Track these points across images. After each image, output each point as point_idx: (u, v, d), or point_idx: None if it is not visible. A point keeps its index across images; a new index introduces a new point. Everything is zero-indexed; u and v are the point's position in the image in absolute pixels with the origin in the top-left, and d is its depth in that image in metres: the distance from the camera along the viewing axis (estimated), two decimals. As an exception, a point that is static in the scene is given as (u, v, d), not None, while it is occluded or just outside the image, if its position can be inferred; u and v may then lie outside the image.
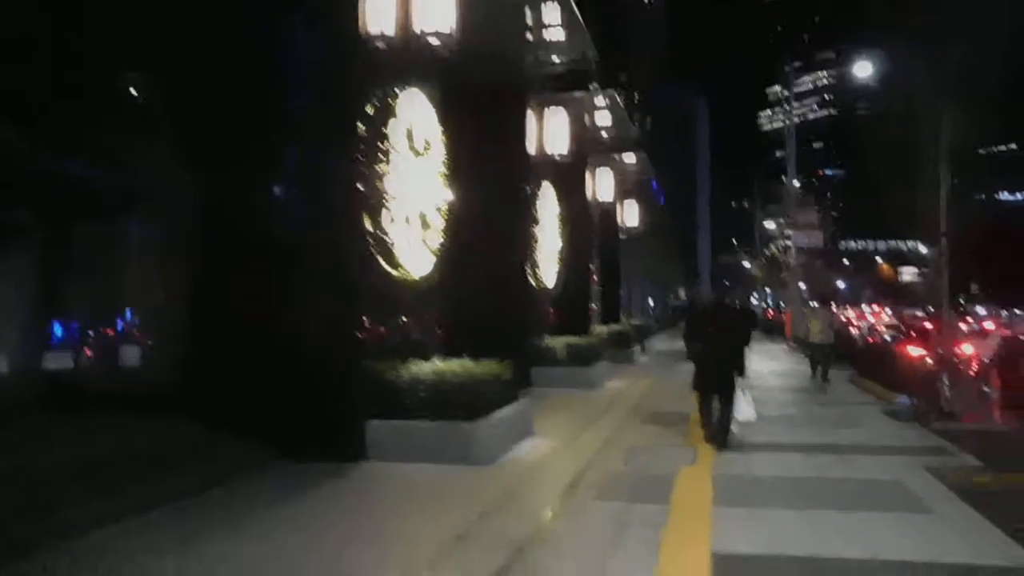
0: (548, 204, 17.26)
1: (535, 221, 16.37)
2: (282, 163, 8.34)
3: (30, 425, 6.72)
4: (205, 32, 8.17)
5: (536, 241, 16.39)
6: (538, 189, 16.64)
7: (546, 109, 17.01)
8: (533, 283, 16.57)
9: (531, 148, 16.42)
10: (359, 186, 8.59)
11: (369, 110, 8.81)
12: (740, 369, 9.66)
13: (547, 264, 17.02)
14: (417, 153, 9.63)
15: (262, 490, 6.68)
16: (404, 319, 9.80)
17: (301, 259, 8.20)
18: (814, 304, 17.10)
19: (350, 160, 8.43)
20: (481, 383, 8.70)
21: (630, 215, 31.44)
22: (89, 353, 9.75)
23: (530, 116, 16.56)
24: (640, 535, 5.48)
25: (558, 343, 16.08)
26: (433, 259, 10.09)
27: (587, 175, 23.24)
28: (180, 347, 8.94)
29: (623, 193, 30.15)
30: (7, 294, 8.27)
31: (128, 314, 10.00)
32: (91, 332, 9.83)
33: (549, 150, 16.93)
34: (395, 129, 9.11)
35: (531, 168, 16.29)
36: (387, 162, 8.91)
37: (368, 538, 5.42)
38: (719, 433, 9.32)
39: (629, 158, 29.20)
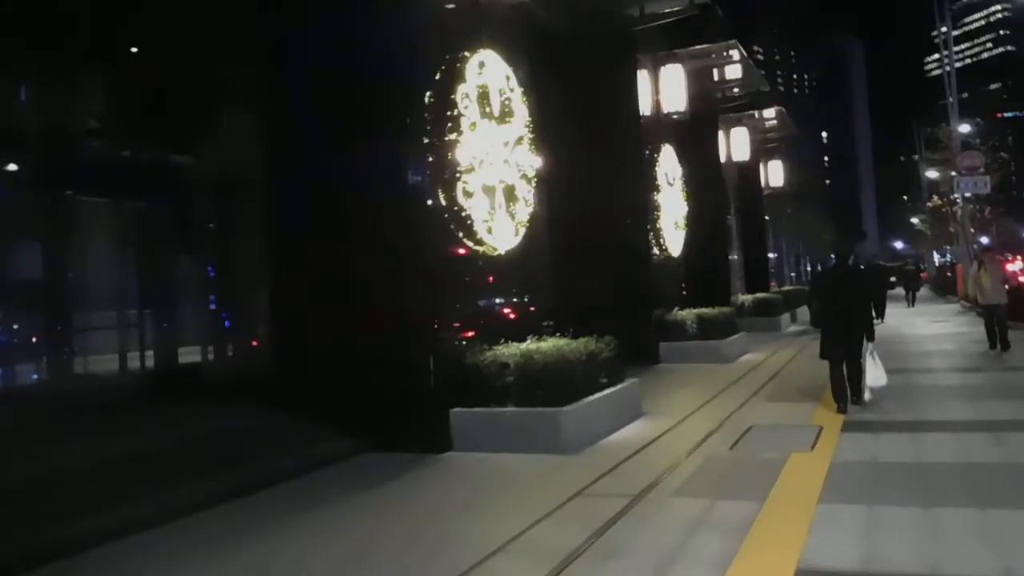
0: (669, 167, 16.15)
1: (654, 186, 15.33)
2: (351, 141, 7.94)
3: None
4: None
5: (658, 207, 15.35)
6: (656, 152, 15.56)
7: (662, 66, 15.86)
8: (657, 252, 15.57)
9: (645, 108, 15.38)
10: (430, 158, 8.06)
11: (436, 76, 8.22)
12: (868, 333, 9.02)
13: (671, 231, 15.95)
14: (494, 119, 8.95)
15: (338, 478, 6.91)
16: (498, 299, 9.15)
17: (372, 242, 7.84)
18: (980, 259, 14.97)
19: (417, 132, 7.91)
20: (571, 364, 7.96)
21: (775, 174, 29.49)
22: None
23: (644, 74, 15.55)
24: (710, 545, 4.59)
25: (688, 315, 15.03)
26: (520, 231, 9.39)
27: (718, 134, 21.87)
28: (275, 341, 8.90)
29: (765, 152, 28.33)
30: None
31: (228, 313, 9.99)
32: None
33: (667, 108, 15.77)
34: (465, 95, 8.45)
35: (645, 129, 15.28)
36: (458, 131, 8.27)
37: (413, 538, 5.13)
38: (853, 396, 8.94)
39: (768, 113, 27.36)
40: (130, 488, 5.66)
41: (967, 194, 24.59)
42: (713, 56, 18.70)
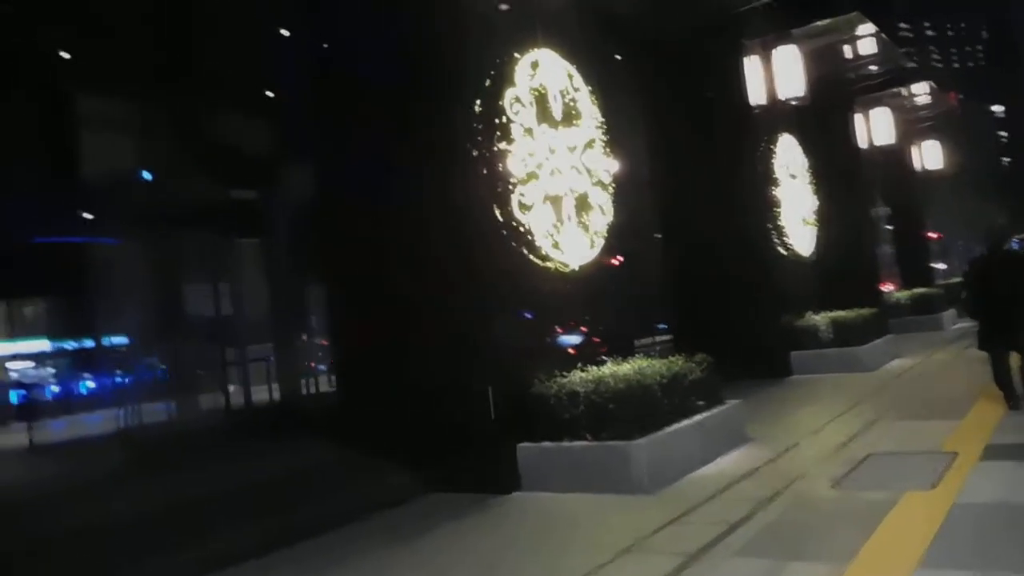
0: (791, 158, 14.72)
1: (772, 181, 13.97)
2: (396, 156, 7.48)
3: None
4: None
5: (777, 204, 13.98)
6: (772, 144, 14.19)
7: (774, 48, 14.46)
8: (783, 252, 14.18)
9: (758, 96, 14.07)
10: (483, 171, 7.41)
11: (486, 83, 7.56)
12: None
13: (796, 228, 14.49)
14: (556, 123, 8.16)
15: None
16: (574, 320, 8.34)
17: (419, 261, 7.44)
18: None
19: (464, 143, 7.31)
20: (645, 388, 7.03)
21: (931, 156, 26.78)
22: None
23: (755, 60, 14.26)
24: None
25: (821, 320, 13.57)
26: (597, 243, 8.54)
27: (853, 118, 20.03)
28: (339, 379, 8.60)
29: (918, 132, 25.79)
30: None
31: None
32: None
33: (783, 95, 14.34)
34: (515, 99, 7.73)
35: (759, 119, 13.97)
36: (508, 139, 7.55)
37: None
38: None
39: (918, 90, 24.92)
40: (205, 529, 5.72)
41: None
42: (836, 33, 16.99)
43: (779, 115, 14.62)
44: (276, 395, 10.42)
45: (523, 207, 7.60)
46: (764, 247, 13.78)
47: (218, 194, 10.14)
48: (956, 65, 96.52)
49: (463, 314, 7.28)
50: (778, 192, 14.08)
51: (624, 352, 8.25)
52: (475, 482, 7.04)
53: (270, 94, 8.93)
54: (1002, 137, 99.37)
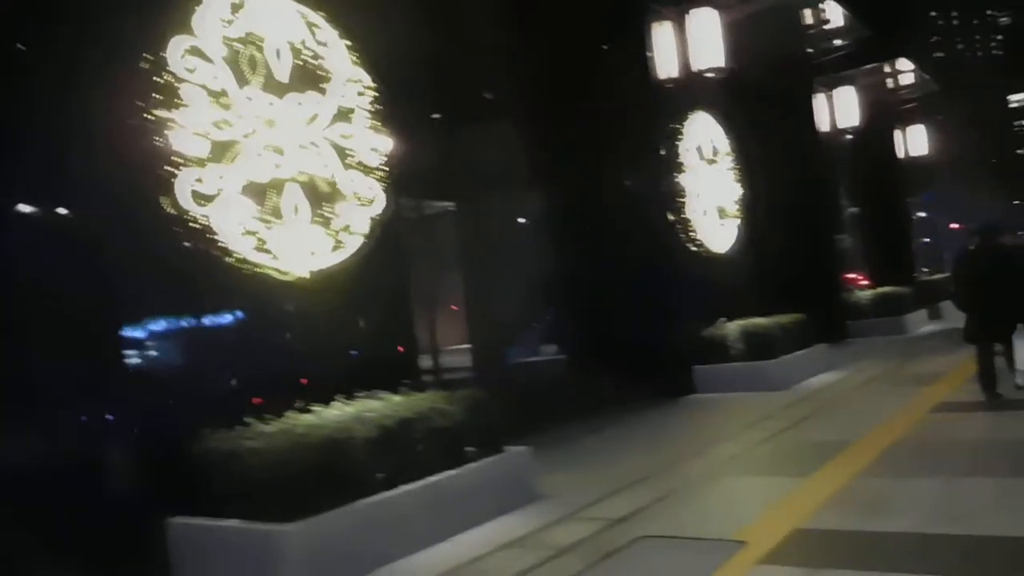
0: (704, 139, 12.59)
1: (677, 166, 11.86)
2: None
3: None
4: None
5: (682, 194, 11.87)
6: (680, 123, 12.07)
7: (689, 15, 12.31)
8: (693, 248, 12.10)
9: (670, 69, 12.05)
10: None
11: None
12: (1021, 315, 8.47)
13: (709, 221, 12.39)
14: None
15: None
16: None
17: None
18: None
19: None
20: (338, 447, 5.14)
21: (915, 142, 24.42)
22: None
23: (663, 25, 12.22)
24: None
25: (732, 330, 11.58)
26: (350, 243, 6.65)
27: (810, 97, 17.92)
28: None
29: (895, 115, 23.43)
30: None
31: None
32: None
33: (696, 66, 12.24)
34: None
35: (670, 96, 11.98)
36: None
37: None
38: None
39: (903, 65, 22.67)
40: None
41: None
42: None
43: (697, 91, 12.57)
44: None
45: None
46: (668, 244, 11.76)
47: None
48: (980, 53, 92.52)
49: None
50: (686, 179, 12.01)
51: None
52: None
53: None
54: (1019, 127, 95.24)
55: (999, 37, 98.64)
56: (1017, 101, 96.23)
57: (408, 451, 5.64)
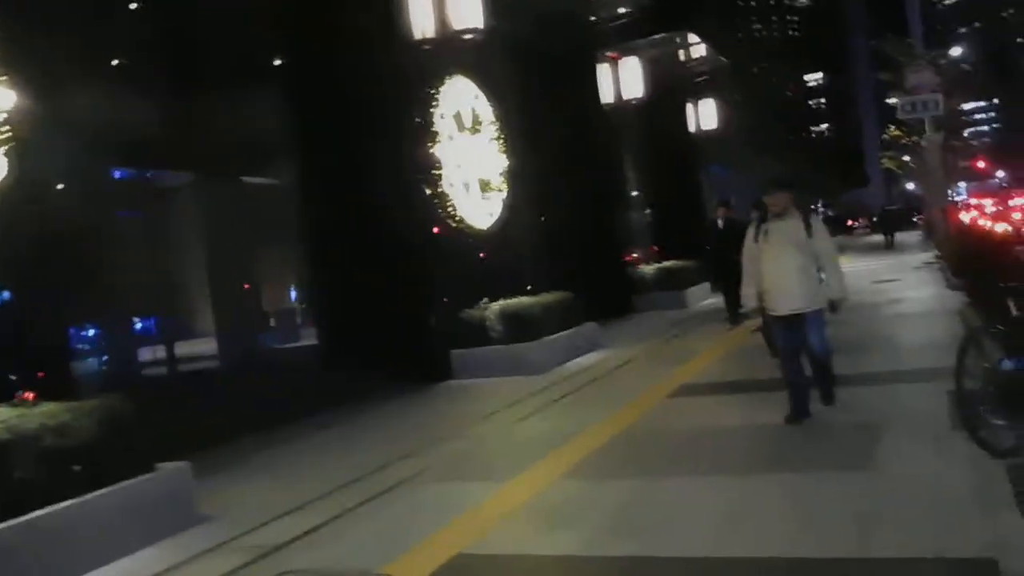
0: (464, 106, 11.72)
1: (431, 136, 10.95)
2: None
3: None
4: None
5: (437, 165, 10.98)
6: (435, 88, 11.14)
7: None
8: (451, 224, 11.21)
9: (426, 29, 11.11)
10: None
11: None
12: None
13: (469, 196, 11.52)
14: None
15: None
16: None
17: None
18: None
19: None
20: None
21: (706, 117, 24.80)
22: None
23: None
24: None
25: (492, 311, 10.86)
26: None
27: (593, 67, 17.57)
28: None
29: (688, 89, 23.67)
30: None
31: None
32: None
33: (456, 27, 11.38)
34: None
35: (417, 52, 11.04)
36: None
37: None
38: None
39: (691, 39, 22.86)
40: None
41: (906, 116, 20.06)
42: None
43: (457, 54, 11.71)
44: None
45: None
46: (424, 219, 10.89)
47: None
48: (776, 34, 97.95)
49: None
50: (443, 149, 11.14)
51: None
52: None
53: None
54: (816, 105, 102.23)
55: (796, 19, 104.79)
56: (813, 80, 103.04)
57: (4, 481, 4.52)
